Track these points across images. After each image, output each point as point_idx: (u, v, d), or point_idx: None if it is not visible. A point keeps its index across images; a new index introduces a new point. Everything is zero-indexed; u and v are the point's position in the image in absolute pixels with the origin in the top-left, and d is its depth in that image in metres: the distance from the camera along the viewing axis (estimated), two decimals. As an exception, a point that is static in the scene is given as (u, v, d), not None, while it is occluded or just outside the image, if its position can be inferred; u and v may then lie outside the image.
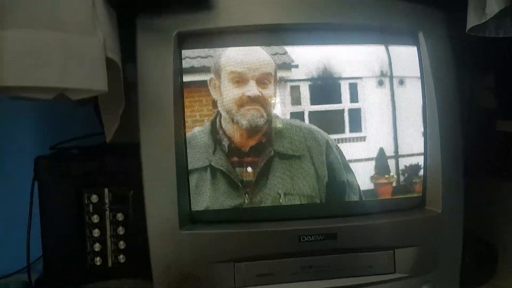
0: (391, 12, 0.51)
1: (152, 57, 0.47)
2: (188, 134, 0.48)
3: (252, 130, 0.48)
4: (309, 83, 0.45)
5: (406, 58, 0.51)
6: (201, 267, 0.47)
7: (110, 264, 0.59)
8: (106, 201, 0.59)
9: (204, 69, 0.48)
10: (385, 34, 0.52)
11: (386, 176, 0.47)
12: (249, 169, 0.48)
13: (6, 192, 0.77)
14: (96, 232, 0.58)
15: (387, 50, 0.50)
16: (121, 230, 0.59)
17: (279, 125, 0.48)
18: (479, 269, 0.59)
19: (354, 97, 0.44)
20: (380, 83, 0.45)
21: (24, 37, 0.36)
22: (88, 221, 0.58)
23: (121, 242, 0.59)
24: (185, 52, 0.48)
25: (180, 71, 0.48)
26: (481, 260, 0.60)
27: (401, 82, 0.47)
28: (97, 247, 0.58)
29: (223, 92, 0.48)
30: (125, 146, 0.59)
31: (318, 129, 0.48)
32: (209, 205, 0.48)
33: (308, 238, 0.48)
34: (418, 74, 0.51)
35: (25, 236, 0.59)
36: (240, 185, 0.48)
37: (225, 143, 0.48)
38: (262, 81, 0.48)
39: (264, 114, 0.48)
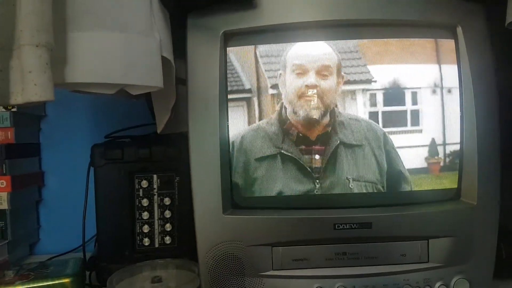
0: (430, 7, 0.51)
1: (200, 55, 0.50)
2: (256, 125, 0.52)
3: (312, 121, 0.52)
4: (383, 91, 0.52)
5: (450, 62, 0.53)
6: (242, 249, 0.50)
7: (157, 244, 0.64)
8: (155, 186, 0.64)
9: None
10: (423, 29, 0.52)
11: (436, 157, 0.53)
12: (317, 156, 0.52)
13: (65, 177, 0.84)
14: (145, 215, 0.63)
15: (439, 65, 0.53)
16: (167, 214, 0.64)
17: (341, 118, 0.52)
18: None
19: (414, 101, 0.52)
20: (433, 91, 0.52)
21: (93, 38, 0.41)
22: (138, 205, 0.63)
23: (168, 225, 0.64)
24: (233, 49, 0.51)
25: (225, 68, 0.51)
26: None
27: (449, 90, 0.53)
28: (145, 228, 0.64)
29: (287, 84, 0.52)
30: (172, 136, 0.63)
31: (374, 123, 0.52)
32: (272, 191, 0.52)
33: (343, 226, 0.50)
34: (457, 73, 0.52)
35: (81, 218, 0.65)
36: (310, 171, 0.52)
37: (293, 132, 0.52)
38: (321, 72, 0.51)
39: (321, 106, 0.51)
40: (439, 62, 0.53)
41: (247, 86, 0.52)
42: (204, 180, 0.50)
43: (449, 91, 0.52)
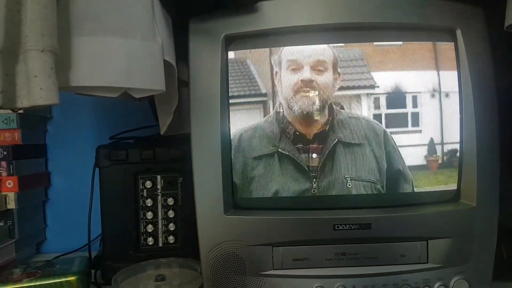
0: (429, 10, 0.52)
1: (202, 58, 0.51)
2: (254, 124, 0.52)
3: (309, 116, 0.52)
4: (386, 95, 0.53)
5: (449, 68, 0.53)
6: (243, 249, 0.50)
7: (160, 244, 0.65)
8: (159, 186, 0.65)
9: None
10: (423, 32, 0.53)
11: (434, 155, 0.53)
12: (314, 155, 0.52)
13: (71, 178, 0.86)
14: (149, 215, 0.64)
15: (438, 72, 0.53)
16: (171, 213, 0.65)
17: (340, 116, 0.52)
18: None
19: (414, 104, 0.53)
20: (432, 95, 0.53)
21: (96, 43, 0.42)
22: (142, 205, 0.64)
23: (171, 224, 0.65)
24: (235, 53, 0.52)
25: (226, 70, 0.52)
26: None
27: (447, 95, 0.53)
28: (149, 228, 0.65)
29: (283, 81, 0.52)
30: (176, 137, 0.64)
31: (375, 120, 0.52)
32: (272, 191, 0.52)
33: (343, 227, 0.50)
34: (457, 76, 0.53)
35: (87, 218, 0.66)
36: (307, 170, 0.52)
37: (290, 130, 0.52)
38: (316, 67, 0.52)
39: (316, 101, 0.52)
40: (438, 66, 0.53)
41: (250, 88, 0.53)
42: (205, 181, 0.51)
43: (448, 94, 0.53)
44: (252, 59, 0.53)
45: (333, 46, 0.52)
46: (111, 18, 0.42)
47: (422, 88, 0.52)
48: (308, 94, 0.51)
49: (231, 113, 0.52)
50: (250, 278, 0.51)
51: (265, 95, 0.53)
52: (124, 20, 0.42)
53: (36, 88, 0.35)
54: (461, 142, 0.52)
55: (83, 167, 0.70)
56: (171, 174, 0.65)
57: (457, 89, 0.52)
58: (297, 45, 0.52)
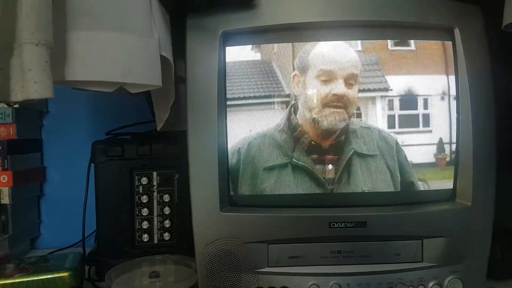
0: (428, 9, 0.52)
1: (199, 54, 0.50)
2: (263, 130, 0.51)
3: (330, 129, 0.50)
4: (399, 97, 0.52)
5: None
6: (238, 246, 0.50)
7: (156, 241, 0.65)
8: (155, 183, 0.64)
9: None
10: (421, 31, 0.53)
11: (443, 153, 0.53)
12: (330, 166, 0.50)
13: (66, 173, 0.85)
14: (144, 211, 0.64)
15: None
16: (167, 210, 0.64)
17: (353, 126, 0.51)
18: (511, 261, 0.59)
19: (425, 106, 0.53)
20: (439, 98, 0.53)
21: (93, 38, 0.41)
22: (138, 201, 0.64)
23: (167, 221, 0.65)
24: (234, 49, 0.51)
25: (224, 67, 0.51)
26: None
27: (455, 97, 0.53)
28: (145, 225, 0.64)
29: (308, 89, 0.50)
30: (173, 133, 0.64)
31: (387, 130, 0.51)
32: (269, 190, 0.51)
33: (338, 225, 0.50)
34: (454, 75, 0.53)
35: (81, 214, 0.65)
36: (324, 182, 0.51)
37: (305, 140, 0.50)
38: (349, 81, 0.50)
39: (346, 117, 0.50)
40: (437, 65, 0.52)
41: (248, 87, 0.52)
42: (201, 177, 0.51)
43: (445, 93, 0.52)
44: (257, 58, 0.52)
45: (360, 55, 0.51)
46: (108, 13, 0.42)
47: (426, 89, 0.52)
48: (338, 110, 0.49)
49: (228, 111, 0.52)
50: (245, 276, 0.51)
51: (269, 96, 0.51)
52: (121, 15, 0.42)
53: (30, 82, 0.35)
54: (457, 142, 0.52)
55: (79, 162, 0.69)
56: (167, 171, 0.64)
57: (454, 88, 0.52)
58: (294, 42, 0.52)
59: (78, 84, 0.44)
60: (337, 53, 0.51)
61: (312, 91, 0.50)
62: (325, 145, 0.51)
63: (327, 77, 0.50)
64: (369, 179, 0.51)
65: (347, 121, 0.50)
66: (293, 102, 0.51)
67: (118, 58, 0.41)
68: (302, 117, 0.50)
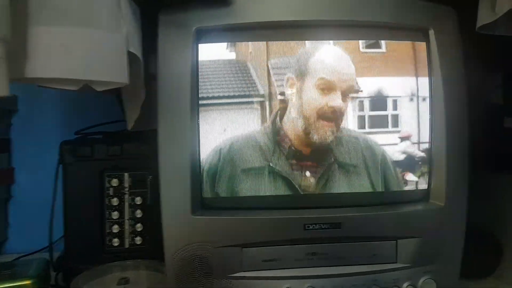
0: (402, 10, 0.52)
1: (172, 51, 0.49)
2: (245, 132, 0.49)
3: (318, 144, 0.49)
4: (369, 99, 0.51)
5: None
6: (211, 251, 0.49)
7: (127, 245, 0.62)
8: (126, 185, 0.62)
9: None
10: (395, 31, 0.52)
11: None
12: (308, 173, 0.49)
13: (36, 174, 0.81)
14: (115, 215, 0.62)
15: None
16: (139, 213, 0.62)
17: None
18: (483, 261, 0.60)
19: (394, 107, 0.52)
20: (410, 99, 0.52)
21: (54, 33, 0.39)
22: (108, 204, 0.62)
23: (139, 225, 0.63)
24: (207, 46, 0.50)
25: (196, 64, 0.50)
26: (486, 252, 0.60)
27: (424, 99, 0.53)
28: (115, 228, 0.62)
29: (304, 96, 0.49)
30: (145, 132, 0.62)
31: (375, 141, 0.51)
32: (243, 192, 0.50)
33: (313, 227, 0.49)
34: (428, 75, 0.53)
35: (48, 217, 0.62)
36: (299, 189, 0.50)
37: (286, 144, 0.48)
38: (346, 93, 0.49)
39: (335, 130, 0.49)
40: (410, 66, 0.52)
41: (220, 86, 0.51)
42: (173, 179, 0.49)
43: (419, 94, 0.52)
44: (232, 56, 0.50)
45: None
46: (71, 6, 0.40)
47: (397, 91, 0.52)
48: (330, 123, 0.48)
49: (201, 111, 0.50)
50: (217, 281, 0.49)
51: (244, 96, 0.50)
52: (86, 9, 0.40)
53: (-17, 78, 0.33)
54: (430, 143, 0.53)
55: (50, 163, 0.66)
56: (140, 172, 0.62)
57: (428, 89, 0.52)
58: (268, 41, 0.51)
59: (40, 81, 0.42)
60: (339, 63, 0.50)
61: (308, 99, 0.49)
62: (306, 152, 0.49)
63: (326, 87, 0.48)
64: (347, 190, 0.51)
65: (335, 134, 0.49)
66: (281, 105, 0.49)
67: (81, 54, 0.39)
68: (290, 122, 0.49)
